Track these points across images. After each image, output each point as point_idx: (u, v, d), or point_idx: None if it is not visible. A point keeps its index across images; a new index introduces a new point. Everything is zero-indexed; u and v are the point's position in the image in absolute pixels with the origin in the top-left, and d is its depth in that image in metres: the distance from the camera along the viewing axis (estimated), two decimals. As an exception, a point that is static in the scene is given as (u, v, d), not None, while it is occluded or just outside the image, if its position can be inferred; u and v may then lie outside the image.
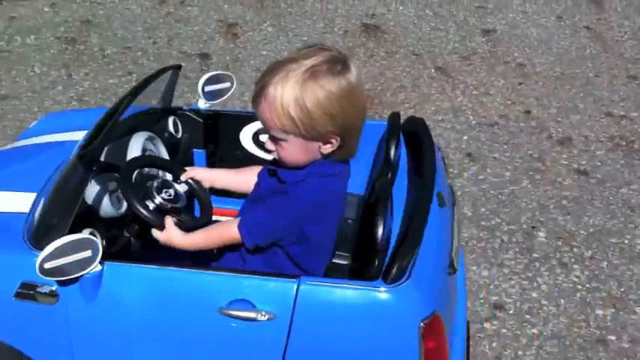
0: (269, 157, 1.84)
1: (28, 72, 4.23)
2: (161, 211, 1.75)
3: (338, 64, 1.53)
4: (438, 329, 1.61)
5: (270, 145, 1.62)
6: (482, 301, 2.68)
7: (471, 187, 3.31)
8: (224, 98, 2.40)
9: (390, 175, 1.89)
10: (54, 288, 1.69)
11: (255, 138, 2.37)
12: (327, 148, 1.58)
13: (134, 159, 1.89)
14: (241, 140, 2.35)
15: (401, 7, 5.36)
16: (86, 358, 1.76)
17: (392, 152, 1.92)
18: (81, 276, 1.65)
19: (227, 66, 4.38)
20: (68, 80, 4.15)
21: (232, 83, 2.41)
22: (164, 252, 1.76)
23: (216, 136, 2.40)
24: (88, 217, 1.81)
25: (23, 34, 4.72)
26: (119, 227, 1.94)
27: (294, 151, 1.58)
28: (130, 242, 1.96)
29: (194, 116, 2.38)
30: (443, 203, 1.91)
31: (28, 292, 1.70)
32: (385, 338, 1.59)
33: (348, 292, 1.59)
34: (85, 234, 1.66)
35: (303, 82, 1.50)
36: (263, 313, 1.61)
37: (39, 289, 1.69)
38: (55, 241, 1.59)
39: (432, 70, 4.44)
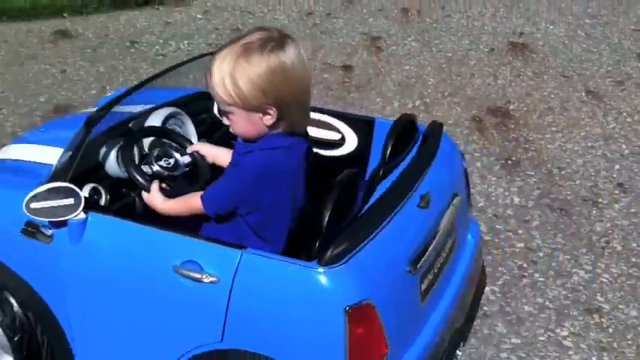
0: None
1: (180, 76, 4.42)
2: (155, 177, 1.94)
3: (271, 42, 1.66)
4: (368, 317, 1.65)
5: (225, 120, 1.77)
6: (629, 342, 2.52)
7: (621, 220, 3.13)
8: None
9: (381, 172, 1.99)
10: (50, 230, 1.91)
11: None
12: (268, 119, 1.71)
13: (143, 127, 2.10)
14: None
15: (551, 27, 5.18)
16: (74, 296, 1.96)
17: (387, 150, 2.02)
18: (67, 221, 1.86)
19: (369, 79, 4.38)
20: (216, 86, 4.30)
21: None
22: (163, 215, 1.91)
23: None
24: (97, 174, 2.05)
25: (177, 39, 4.94)
26: (127, 187, 2.09)
27: (240, 122, 1.73)
28: (135, 202, 2.07)
29: None
30: (425, 205, 1.91)
31: (30, 229, 1.94)
32: (313, 316, 1.65)
33: (285, 267, 1.66)
34: (76, 186, 1.84)
35: (236, 58, 1.66)
36: (207, 275, 1.72)
37: (40, 229, 1.93)
38: (41, 186, 1.83)
39: (583, 94, 4.25)
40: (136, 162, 1.97)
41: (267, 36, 1.68)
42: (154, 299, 1.82)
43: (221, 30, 5.11)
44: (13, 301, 2.10)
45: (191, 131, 2.29)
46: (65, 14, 5.26)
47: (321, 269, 1.62)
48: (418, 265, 1.82)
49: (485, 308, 2.61)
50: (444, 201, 2.02)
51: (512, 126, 3.88)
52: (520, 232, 3.01)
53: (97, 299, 1.93)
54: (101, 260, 1.88)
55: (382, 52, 4.79)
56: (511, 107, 4.09)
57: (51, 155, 2.11)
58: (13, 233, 1.96)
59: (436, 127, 2.19)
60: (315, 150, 2.18)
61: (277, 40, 1.68)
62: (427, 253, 1.86)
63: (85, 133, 1.92)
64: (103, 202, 2.03)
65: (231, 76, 1.66)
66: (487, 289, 2.69)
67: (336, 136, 2.36)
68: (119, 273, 1.86)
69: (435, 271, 1.97)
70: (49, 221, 1.88)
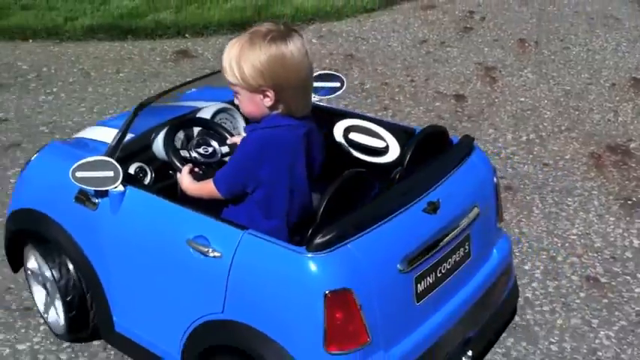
0: (355, 152, 2.43)
1: (293, 99, 4.49)
2: (192, 162, 2.17)
3: (274, 33, 1.90)
4: (347, 304, 1.78)
5: (235, 100, 2.00)
6: None
7: None
8: (332, 96, 2.65)
9: (397, 176, 2.12)
10: (97, 199, 2.20)
11: (346, 134, 2.55)
12: (267, 101, 1.92)
13: (189, 118, 2.35)
14: (334, 133, 2.54)
15: (678, 63, 4.95)
16: (111, 260, 2.24)
17: (407, 155, 2.15)
18: (109, 192, 2.14)
19: (482, 110, 4.31)
20: (328, 110, 4.34)
21: (342, 84, 2.65)
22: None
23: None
24: (147, 155, 2.31)
25: (291, 63, 5.03)
26: (172, 170, 2.26)
27: (245, 101, 1.96)
28: (176, 184, 2.21)
29: None
30: (432, 211, 2.00)
31: (81, 197, 2.24)
32: (297, 297, 1.81)
33: (277, 249, 1.83)
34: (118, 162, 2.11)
35: (242, 45, 1.90)
36: (213, 250, 1.93)
37: (89, 197, 2.22)
38: (86, 158, 2.11)
39: None
40: (177, 147, 2.21)
41: (274, 28, 1.92)
42: (171, 268, 2.06)
43: (335, 55, 5.17)
44: (69, 263, 2.38)
45: (240, 126, 2.49)
46: (187, 35, 5.46)
47: (307, 254, 1.79)
48: (412, 266, 1.92)
49: (598, 353, 2.49)
50: (458, 211, 2.09)
51: (634, 165, 3.71)
52: (639, 276, 2.87)
53: (128, 264, 2.20)
54: (132, 229, 2.15)
55: (497, 82, 4.70)
56: (632, 145, 3.92)
57: (103, 134, 2.47)
58: (70, 200, 2.26)
59: (467, 141, 2.28)
60: (360, 156, 2.46)
61: (281, 32, 1.92)
62: (427, 256, 1.95)
63: (132, 117, 2.20)
64: (147, 180, 2.29)
65: (236, 60, 1.91)
66: (602, 333, 2.57)
67: (381, 144, 2.45)
68: (145, 241, 2.12)
69: (438, 275, 2.04)
70: (95, 190, 2.17)
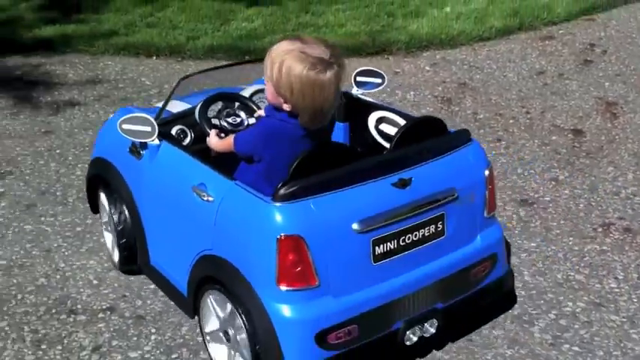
0: (380, 140, 2.84)
1: (404, 125, 4.47)
2: (218, 128, 2.63)
3: (322, 64, 2.15)
4: (298, 249, 2.13)
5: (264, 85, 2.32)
6: None
7: None
8: (374, 91, 3.01)
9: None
10: (142, 150, 2.68)
11: (377, 124, 2.88)
12: (286, 107, 2.24)
13: (225, 93, 2.78)
14: (368, 123, 2.89)
15: None
16: (147, 202, 2.73)
17: (396, 137, 2.45)
18: (148, 144, 2.63)
19: (601, 146, 4.16)
20: (440, 138, 4.29)
21: (383, 80, 3.01)
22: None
23: (352, 115, 2.98)
24: (191, 121, 2.73)
25: (404, 90, 5.02)
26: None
27: (269, 93, 2.27)
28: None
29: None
30: (401, 186, 2.29)
31: (132, 148, 2.74)
32: (259, 239, 2.18)
33: (252, 198, 2.21)
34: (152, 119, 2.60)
35: (293, 54, 2.15)
36: (207, 195, 2.35)
37: (137, 148, 2.70)
38: (131, 113, 2.60)
39: None
40: (208, 115, 2.66)
41: (323, 55, 2.17)
42: (181, 210, 2.50)
43: (448, 83, 5.13)
44: (124, 206, 2.85)
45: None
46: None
47: (271, 203, 2.15)
48: (369, 229, 2.21)
49: None
50: (431, 192, 2.35)
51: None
52: None
53: (157, 207, 2.68)
54: (160, 176, 2.62)
55: (617, 118, 4.53)
56: None
57: (179, 107, 2.92)
58: (126, 151, 2.77)
59: (461, 134, 2.56)
60: (384, 144, 2.81)
61: (327, 63, 2.16)
62: (385, 223, 2.25)
63: (174, 87, 2.73)
64: (187, 141, 2.77)
65: (279, 64, 2.17)
66: None
67: None
68: (166, 187, 2.59)
69: (402, 244, 2.31)
70: (140, 142, 2.64)
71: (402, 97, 4.89)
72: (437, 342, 2.58)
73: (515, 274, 2.99)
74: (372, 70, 3.03)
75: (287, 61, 2.15)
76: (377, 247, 2.26)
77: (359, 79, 3.00)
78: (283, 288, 2.17)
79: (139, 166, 2.71)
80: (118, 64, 5.43)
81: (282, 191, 2.14)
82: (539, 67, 5.41)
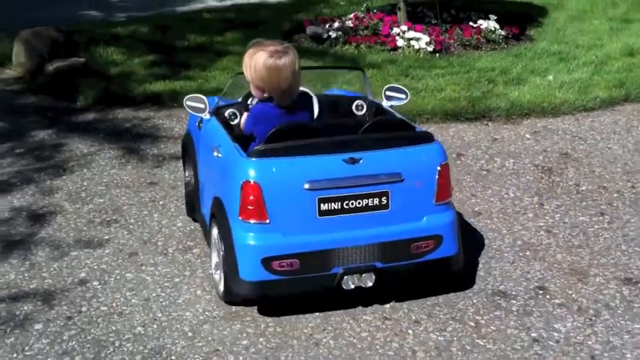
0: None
1: (503, 194, 4.40)
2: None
3: (277, 53, 3.10)
4: (254, 192, 2.92)
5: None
6: None
7: None
8: (398, 104, 3.67)
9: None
10: (202, 124, 3.61)
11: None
12: (265, 94, 3.19)
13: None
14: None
15: None
16: (199, 162, 3.68)
17: (364, 126, 3.26)
18: (202, 118, 3.56)
19: None
20: (539, 209, 4.19)
21: (407, 97, 3.66)
22: None
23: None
24: (241, 107, 3.56)
25: (503, 157, 4.95)
26: None
27: (253, 89, 3.24)
28: None
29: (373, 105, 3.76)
30: (350, 163, 3.00)
31: (198, 123, 3.65)
32: (234, 183, 3.00)
33: (237, 154, 3.06)
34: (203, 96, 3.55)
35: (257, 54, 3.13)
36: (218, 153, 3.24)
37: (201, 122, 3.63)
38: (194, 94, 3.60)
39: None
40: (247, 103, 3.48)
41: (279, 47, 3.14)
42: (209, 164, 3.42)
43: (549, 152, 5.03)
44: (191, 167, 3.77)
45: (315, 102, 3.42)
46: (400, 120, 5.59)
47: (245, 158, 3.00)
48: (315, 189, 2.94)
49: None
50: (376, 172, 3.02)
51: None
52: None
53: (203, 163, 3.59)
54: (205, 141, 3.53)
55: None
56: None
57: None
58: (196, 125, 3.71)
59: (424, 134, 3.27)
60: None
61: (280, 52, 3.11)
62: (331, 186, 2.96)
63: (230, 82, 3.74)
64: (235, 121, 3.52)
65: (250, 64, 3.14)
66: None
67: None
68: (206, 148, 3.45)
69: (345, 207, 2.99)
70: (201, 117, 3.55)
71: (501, 164, 4.83)
72: (379, 296, 3.25)
73: (617, 357, 2.86)
74: (398, 88, 3.70)
75: (253, 59, 3.13)
76: (322, 204, 2.98)
77: (388, 93, 3.67)
78: (242, 220, 2.97)
79: (199, 135, 3.63)
80: (221, 120, 5.63)
81: (253, 151, 3.00)
82: (646, 141, 5.26)
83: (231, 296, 3.11)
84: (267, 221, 2.94)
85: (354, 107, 3.72)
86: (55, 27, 7.23)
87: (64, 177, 4.56)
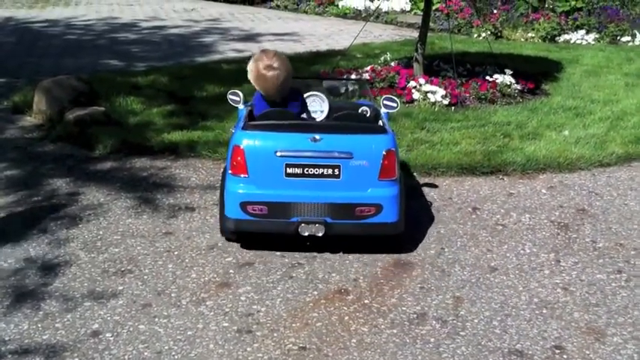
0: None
1: (519, 249, 4.37)
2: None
3: (268, 67, 4.17)
4: (239, 153, 3.99)
5: None
6: None
7: None
8: (392, 111, 4.62)
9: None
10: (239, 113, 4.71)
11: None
12: (262, 92, 4.30)
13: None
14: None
15: None
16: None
17: (331, 117, 4.48)
18: (238, 107, 4.68)
19: None
20: (556, 266, 4.16)
21: (397, 105, 4.50)
22: None
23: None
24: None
25: (519, 212, 4.94)
26: None
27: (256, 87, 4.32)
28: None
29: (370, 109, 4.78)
30: (313, 141, 3.98)
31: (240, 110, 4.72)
32: (231, 146, 4.13)
33: (239, 128, 4.17)
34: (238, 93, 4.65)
35: (255, 64, 4.21)
36: (233, 129, 4.37)
37: (237, 111, 4.81)
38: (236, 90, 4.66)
39: None
40: None
41: (267, 56, 4.21)
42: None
43: (566, 208, 5.01)
44: None
45: (325, 104, 4.60)
46: (414, 173, 5.60)
47: (241, 130, 4.10)
48: (283, 155, 3.95)
49: None
50: (330, 149, 3.97)
51: None
52: None
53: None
54: (237, 122, 4.58)
55: None
56: None
57: None
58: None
59: (377, 127, 4.28)
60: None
61: (270, 67, 4.16)
62: (293, 155, 3.96)
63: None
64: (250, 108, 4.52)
65: (250, 71, 4.24)
66: None
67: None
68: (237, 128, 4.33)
69: (305, 172, 3.97)
70: (238, 107, 4.68)
71: (517, 219, 4.81)
72: (329, 243, 4.22)
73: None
74: (392, 98, 4.50)
75: (252, 67, 4.23)
76: (288, 168, 3.98)
77: (384, 102, 4.51)
78: (231, 173, 4.04)
79: (238, 119, 4.61)
80: (237, 170, 5.66)
81: (245, 126, 4.10)
82: (663, 197, 5.22)
83: (223, 231, 4.26)
84: (247, 176, 3.99)
85: (360, 112, 4.61)
86: (76, 76, 7.37)
87: (80, 226, 4.59)
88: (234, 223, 4.06)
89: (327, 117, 4.45)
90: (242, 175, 3.99)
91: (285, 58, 4.26)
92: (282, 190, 3.98)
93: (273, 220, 4.00)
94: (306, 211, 3.98)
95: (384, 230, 4.07)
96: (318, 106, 4.56)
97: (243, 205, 3.99)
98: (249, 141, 4.00)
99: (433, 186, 5.38)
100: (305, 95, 4.51)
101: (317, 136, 3.97)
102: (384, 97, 4.58)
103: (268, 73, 4.14)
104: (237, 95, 4.56)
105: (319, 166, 3.96)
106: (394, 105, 4.49)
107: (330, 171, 3.97)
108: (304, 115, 4.38)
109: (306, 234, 3.99)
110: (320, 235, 3.98)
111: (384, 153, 3.99)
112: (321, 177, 3.97)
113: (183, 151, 5.98)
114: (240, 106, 4.58)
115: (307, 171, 3.96)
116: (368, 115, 4.47)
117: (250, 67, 4.21)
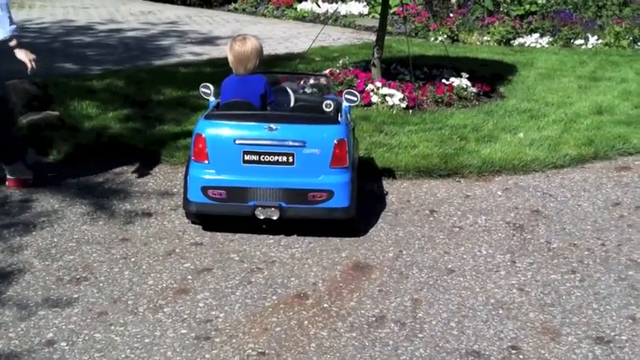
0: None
1: (475, 251, 4.42)
2: None
3: (238, 37, 4.66)
4: (200, 141, 4.32)
5: None
6: None
7: None
8: (353, 105, 4.86)
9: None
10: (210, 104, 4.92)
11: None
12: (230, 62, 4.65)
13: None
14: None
15: None
16: None
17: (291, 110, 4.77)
18: (209, 100, 4.88)
19: (682, 284, 4.00)
20: (512, 267, 4.22)
21: (357, 99, 4.78)
22: None
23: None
24: None
25: (475, 214, 5.00)
26: None
27: None
28: None
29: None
30: (269, 130, 4.30)
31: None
32: (193, 134, 4.46)
33: (201, 117, 4.60)
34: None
35: (229, 44, 4.66)
36: (212, 97, 4.87)
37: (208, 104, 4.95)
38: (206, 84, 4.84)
39: None
40: None
41: (242, 38, 4.61)
42: None
43: (521, 210, 5.09)
44: None
45: (291, 97, 4.89)
46: (373, 176, 5.63)
47: (202, 119, 4.43)
48: (241, 143, 4.26)
49: None
50: (284, 138, 4.27)
51: None
52: None
53: None
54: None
55: (699, 256, 4.37)
56: None
57: None
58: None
59: (329, 118, 4.47)
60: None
61: (239, 41, 4.58)
62: (252, 143, 4.27)
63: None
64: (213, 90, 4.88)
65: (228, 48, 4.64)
66: None
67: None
68: None
69: (261, 159, 4.27)
70: (209, 100, 4.88)
71: (473, 221, 4.87)
72: (282, 226, 4.48)
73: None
74: (353, 92, 4.78)
75: (228, 44, 4.65)
76: (245, 155, 4.27)
77: (346, 96, 4.75)
78: (193, 159, 4.35)
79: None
80: (195, 175, 5.61)
81: (207, 115, 4.45)
82: (614, 198, 5.33)
83: (186, 214, 4.58)
84: (207, 162, 4.30)
85: (324, 105, 4.54)
86: (30, 80, 7.24)
87: (33, 233, 4.50)
88: (196, 206, 4.35)
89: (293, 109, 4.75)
90: (203, 162, 4.29)
91: (258, 42, 4.64)
92: (240, 175, 4.27)
93: (231, 204, 4.29)
94: (262, 195, 4.27)
95: (335, 215, 4.35)
96: (284, 98, 4.82)
97: (204, 190, 4.29)
98: (210, 129, 4.29)
99: (391, 189, 5.42)
100: (273, 88, 4.75)
101: (273, 126, 4.26)
102: (345, 91, 4.83)
103: (236, 45, 4.56)
104: (208, 88, 4.75)
105: (274, 154, 4.24)
106: (354, 99, 4.75)
107: (284, 158, 4.25)
108: (269, 106, 4.66)
109: (262, 217, 4.28)
110: (275, 218, 4.28)
111: (335, 142, 4.28)
112: (276, 164, 4.25)
113: (140, 155, 5.91)
114: (212, 99, 4.79)
115: (263, 158, 4.25)
116: (331, 108, 4.55)
117: (229, 47, 4.65)
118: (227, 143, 4.26)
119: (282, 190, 4.26)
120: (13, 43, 5.09)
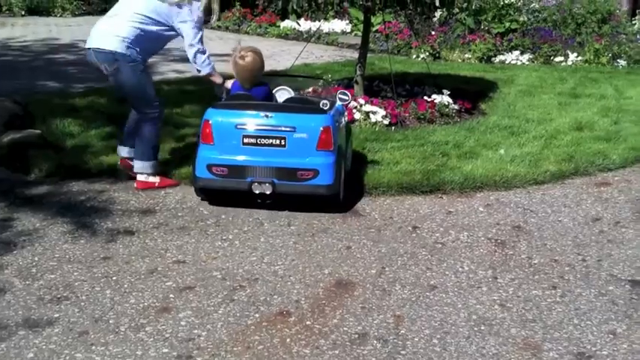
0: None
1: (457, 267, 4.44)
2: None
3: (239, 50, 5.32)
4: (207, 126, 5.10)
5: None
6: None
7: None
8: (346, 103, 5.70)
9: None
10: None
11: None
12: (234, 74, 5.41)
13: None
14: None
15: None
16: None
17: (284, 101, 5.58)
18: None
19: (661, 299, 4.04)
20: (493, 283, 4.24)
21: (349, 98, 5.66)
22: None
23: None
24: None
25: (457, 230, 5.02)
26: None
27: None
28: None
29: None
30: (265, 117, 5.05)
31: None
32: (203, 118, 5.27)
33: (210, 106, 5.33)
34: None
35: (232, 59, 5.37)
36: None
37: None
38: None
39: None
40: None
41: (240, 54, 5.27)
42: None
43: (502, 225, 5.12)
44: None
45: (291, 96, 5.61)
46: (356, 192, 5.65)
47: (210, 108, 5.20)
48: (241, 128, 5.02)
49: None
50: (278, 124, 5.02)
51: None
52: None
53: None
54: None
55: (678, 271, 4.41)
56: None
57: None
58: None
59: (319, 109, 5.26)
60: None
61: (242, 57, 5.25)
62: (247, 127, 5.03)
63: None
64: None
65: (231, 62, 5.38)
66: None
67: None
68: None
69: (258, 142, 5.02)
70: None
71: (455, 237, 4.89)
72: (275, 199, 5.15)
73: None
74: (345, 92, 5.63)
75: (232, 57, 5.29)
76: (244, 138, 5.02)
77: (339, 96, 5.56)
78: (202, 142, 5.10)
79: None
80: (178, 192, 5.60)
81: (215, 104, 5.20)
82: (594, 214, 5.38)
83: (194, 189, 5.33)
84: (213, 144, 5.06)
85: (321, 104, 5.32)
86: (11, 98, 7.21)
87: (14, 252, 4.47)
88: (202, 181, 5.14)
89: None
90: (210, 143, 5.05)
91: (259, 54, 5.29)
92: (240, 155, 5.03)
93: (231, 179, 5.04)
94: (257, 172, 5.00)
95: (320, 191, 5.06)
96: (285, 97, 5.54)
97: (209, 167, 5.04)
98: (215, 116, 5.09)
99: (374, 205, 5.44)
100: (275, 89, 5.51)
101: (269, 114, 5.02)
102: (338, 91, 5.69)
103: (240, 62, 5.24)
104: (347, 95, 5.62)
105: (269, 137, 4.99)
106: (346, 98, 5.59)
107: (277, 141, 5.00)
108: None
109: (258, 192, 5.01)
110: (268, 193, 5.01)
111: (321, 129, 5.02)
112: (270, 146, 5.00)
113: (122, 174, 5.89)
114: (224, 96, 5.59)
115: (259, 141, 5.01)
116: (327, 107, 5.28)
117: (232, 56, 5.31)
118: (229, 128, 5.01)
119: (275, 168, 4.98)
120: None
